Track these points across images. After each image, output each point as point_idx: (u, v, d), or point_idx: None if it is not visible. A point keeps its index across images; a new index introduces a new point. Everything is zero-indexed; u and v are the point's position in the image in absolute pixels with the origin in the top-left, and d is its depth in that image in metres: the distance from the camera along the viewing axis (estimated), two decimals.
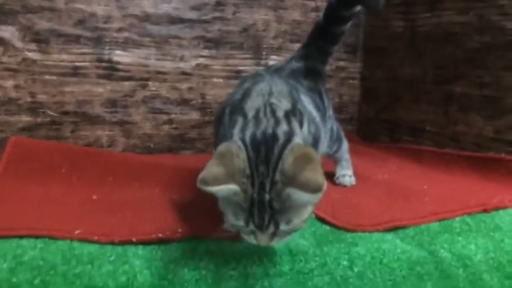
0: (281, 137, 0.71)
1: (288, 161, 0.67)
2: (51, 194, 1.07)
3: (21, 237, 0.81)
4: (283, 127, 0.73)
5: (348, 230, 0.93)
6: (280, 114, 0.76)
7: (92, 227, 0.87)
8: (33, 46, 1.50)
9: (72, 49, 1.54)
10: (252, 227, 0.69)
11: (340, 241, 0.87)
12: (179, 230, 0.87)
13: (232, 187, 0.66)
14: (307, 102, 0.95)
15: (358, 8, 1.11)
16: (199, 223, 0.92)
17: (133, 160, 1.30)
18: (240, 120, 0.77)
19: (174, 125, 1.70)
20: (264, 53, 1.78)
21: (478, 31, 1.42)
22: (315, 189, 0.64)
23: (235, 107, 0.83)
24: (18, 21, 1.46)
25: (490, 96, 1.39)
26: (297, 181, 0.65)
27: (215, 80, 1.73)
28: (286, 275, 0.77)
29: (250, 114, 0.77)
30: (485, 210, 1.04)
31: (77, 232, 0.84)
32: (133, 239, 0.83)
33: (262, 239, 0.71)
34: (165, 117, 1.68)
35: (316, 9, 1.82)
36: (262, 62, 1.77)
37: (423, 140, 1.64)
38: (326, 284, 0.77)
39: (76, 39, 1.54)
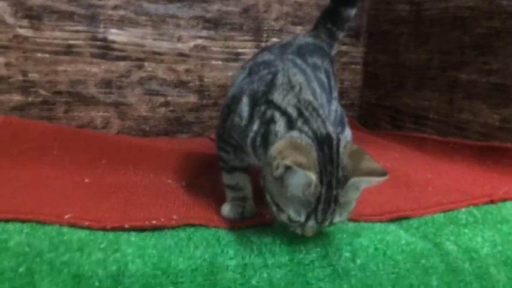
0: (334, 137, 0.74)
1: (345, 157, 0.72)
2: (42, 176, 1.03)
3: (7, 221, 0.77)
4: (330, 127, 0.76)
5: (350, 220, 0.89)
6: (321, 112, 0.78)
7: (82, 211, 0.83)
8: (25, 22, 1.44)
9: (65, 26, 1.48)
10: (312, 222, 0.72)
11: (342, 231, 0.83)
12: (174, 217, 0.83)
13: (313, 176, 0.67)
14: (316, 86, 0.91)
15: None
16: (195, 210, 0.88)
17: (128, 143, 1.26)
18: (278, 116, 0.77)
19: (171, 108, 1.65)
20: (264, 35, 1.73)
21: (487, 16, 1.37)
22: (382, 173, 0.69)
23: (259, 99, 0.81)
24: None
25: (497, 84, 1.35)
26: (360, 170, 0.70)
27: (214, 62, 1.68)
28: (286, 266, 0.74)
29: (293, 112, 0.77)
30: (491, 202, 1.00)
31: (66, 217, 0.80)
32: (126, 225, 0.79)
33: (310, 232, 0.75)
34: (161, 99, 1.63)
35: None
36: (263, 44, 1.72)
37: (426, 128, 1.60)
38: (327, 276, 0.74)
39: (70, 16, 1.48)
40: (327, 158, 0.71)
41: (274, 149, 0.71)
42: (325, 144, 0.72)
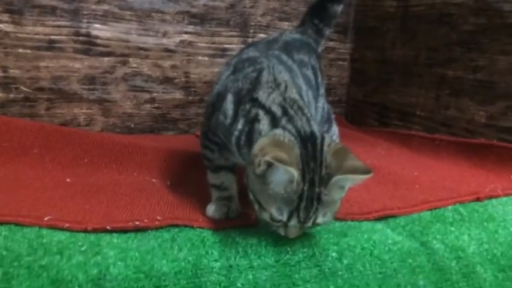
0: (318, 136, 0.73)
1: (329, 155, 0.71)
2: (22, 176, 1.00)
3: None
4: (315, 126, 0.76)
5: (336, 219, 0.88)
6: (306, 111, 0.78)
7: (63, 213, 0.81)
8: (5, 17, 1.40)
9: (47, 21, 1.44)
10: (294, 222, 0.71)
11: (329, 231, 0.82)
12: (158, 218, 0.81)
13: (295, 173, 0.66)
14: (301, 84, 0.90)
15: None
16: (179, 210, 0.87)
17: (111, 140, 1.23)
18: (262, 115, 0.76)
19: (156, 105, 1.63)
20: (251, 30, 1.71)
21: (473, 13, 1.37)
22: (365, 171, 0.68)
23: (244, 97, 0.80)
24: None
25: (483, 81, 1.35)
26: (344, 168, 0.68)
27: (200, 58, 1.65)
28: (272, 267, 0.72)
29: (278, 111, 0.76)
30: (478, 199, 1.00)
31: (46, 218, 0.77)
32: (108, 227, 0.77)
33: (293, 233, 0.73)
34: (146, 95, 1.61)
35: None
36: (249, 40, 1.70)
37: (413, 125, 1.60)
38: (314, 277, 0.73)
39: (52, 10, 1.44)
40: (310, 156, 0.70)
41: (256, 147, 0.71)
42: (308, 142, 0.72)
